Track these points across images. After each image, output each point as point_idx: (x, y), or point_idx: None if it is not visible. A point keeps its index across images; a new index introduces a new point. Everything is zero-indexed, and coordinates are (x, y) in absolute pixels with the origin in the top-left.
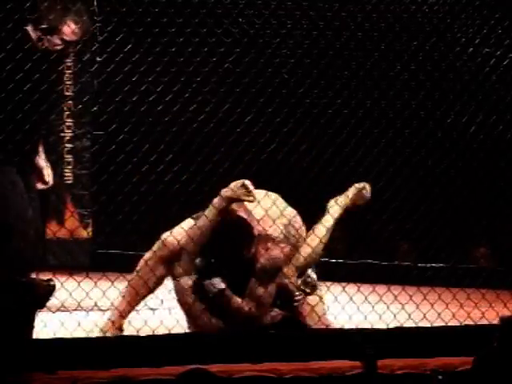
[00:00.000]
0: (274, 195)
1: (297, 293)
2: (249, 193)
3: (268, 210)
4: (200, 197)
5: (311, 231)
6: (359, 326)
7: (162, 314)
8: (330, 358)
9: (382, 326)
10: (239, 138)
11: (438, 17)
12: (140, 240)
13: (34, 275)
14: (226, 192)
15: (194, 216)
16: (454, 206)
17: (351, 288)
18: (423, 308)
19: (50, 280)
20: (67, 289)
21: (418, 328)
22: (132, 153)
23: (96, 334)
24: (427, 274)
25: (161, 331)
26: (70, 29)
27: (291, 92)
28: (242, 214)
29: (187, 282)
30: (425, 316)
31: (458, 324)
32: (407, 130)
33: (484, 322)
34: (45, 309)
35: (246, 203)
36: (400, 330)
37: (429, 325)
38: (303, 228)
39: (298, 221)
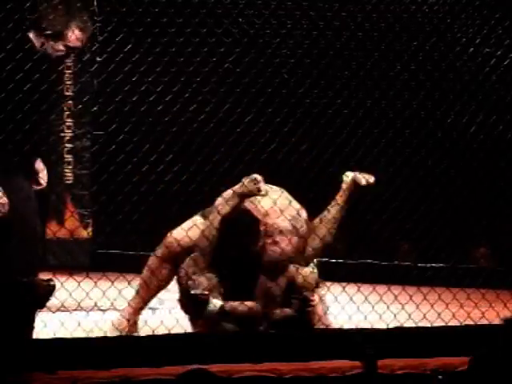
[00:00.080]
0: (280, 189)
1: (312, 298)
2: (259, 186)
3: (276, 202)
4: (200, 197)
5: (318, 219)
6: (359, 326)
7: (162, 313)
8: (330, 358)
9: (382, 325)
10: (239, 137)
11: (438, 17)
12: (140, 240)
13: (33, 275)
14: (238, 188)
15: (201, 212)
16: (454, 206)
17: (351, 288)
18: (423, 308)
19: (50, 280)
20: (67, 289)
21: (418, 328)
22: (132, 153)
23: (108, 332)
24: (427, 274)
25: (161, 331)
26: (74, 35)
27: (291, 92)
28: (248, 207)
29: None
30: (425, 316)
31: (458, 324)
32: (407, 130)
33: (484, 321)
34: (45, 309)
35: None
36: (400, 330)
37: (429, 325)
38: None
39: (304, 213)
